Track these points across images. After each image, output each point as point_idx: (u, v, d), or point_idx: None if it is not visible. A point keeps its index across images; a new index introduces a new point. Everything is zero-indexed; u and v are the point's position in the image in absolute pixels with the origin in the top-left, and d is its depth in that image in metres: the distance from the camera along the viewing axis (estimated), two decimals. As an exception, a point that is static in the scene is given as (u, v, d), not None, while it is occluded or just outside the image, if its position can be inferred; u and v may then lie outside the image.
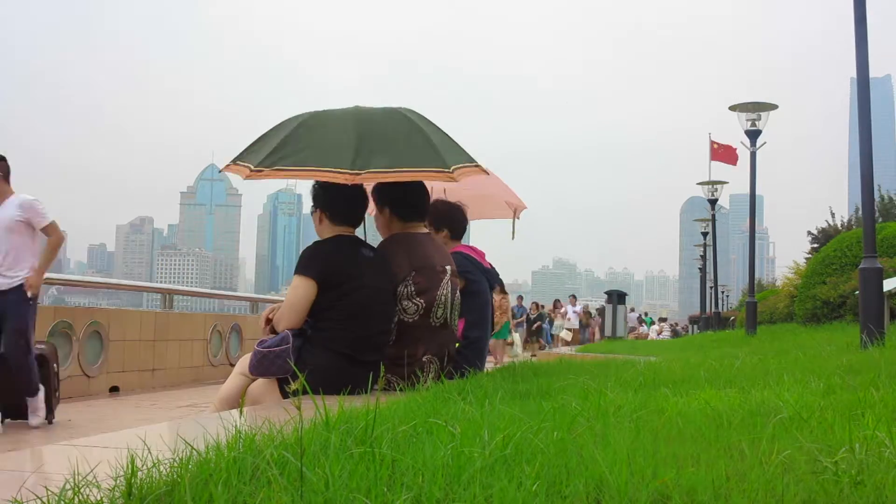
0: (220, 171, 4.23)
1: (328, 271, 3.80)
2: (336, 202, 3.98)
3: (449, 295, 4.11)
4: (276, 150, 3.91)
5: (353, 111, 4.18)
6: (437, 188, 5.09)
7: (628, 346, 17.18)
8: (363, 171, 3.77)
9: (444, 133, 4.34)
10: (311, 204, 4.06)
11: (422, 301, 4.01)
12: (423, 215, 4.35)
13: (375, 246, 4.14)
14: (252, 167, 3.91)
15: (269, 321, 3.92)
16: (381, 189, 4.25)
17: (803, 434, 2.10)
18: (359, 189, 4.02)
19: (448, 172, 3.96)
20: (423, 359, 4.00)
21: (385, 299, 3.94)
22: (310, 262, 3.85)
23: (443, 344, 4.11)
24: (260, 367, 3.71)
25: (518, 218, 6.29)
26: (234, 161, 4.06)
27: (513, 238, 6.02)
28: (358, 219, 4.06)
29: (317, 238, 4.07)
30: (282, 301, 4.00)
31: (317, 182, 4.01)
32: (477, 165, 4.30)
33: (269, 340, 3.74)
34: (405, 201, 4.23)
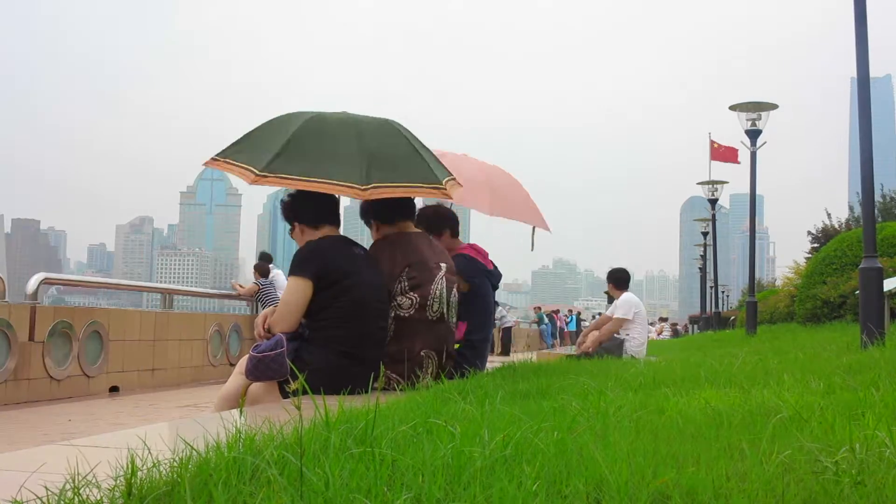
0: (203, 165, 4.10)
1: (323, 269, 3.81)
2: (323, 204, 4.02)
3: (444, 291, 4.14)
4: (279, 156, 3.84)
5: (350, 122, 4.12)
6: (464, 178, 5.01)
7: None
8: (369, 186, 3.84)
9: (423, 144, 4.40)
10: (294, 217, 4.04)
11: (416, 296, 4.04)
12: (408, 215, 4.40)
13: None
14: (256, 171, 3.80)
15: (266, 323, 3.92)
16: (365, 208, 4.34)
17: (803, 434, 2.10)
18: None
19: (442, 189, 4.08)
20: (421, 353, 4.02)
21: (381, 295, 3.97)
22: (304, 262, 3.85)
23: (439, 338, 4.12)
24: (255, 372, 3.70)
25: (535, 233, 6.26)
26: (227, 159, 3.94)
27: (532, 249, 6.09)
28: (338, 217, 4.11)
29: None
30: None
31: (288, 195, 4.04)
32: (453, 178, 4.37)
33: (262, 345, 3.73)
34: (382, 207, 4.26)
